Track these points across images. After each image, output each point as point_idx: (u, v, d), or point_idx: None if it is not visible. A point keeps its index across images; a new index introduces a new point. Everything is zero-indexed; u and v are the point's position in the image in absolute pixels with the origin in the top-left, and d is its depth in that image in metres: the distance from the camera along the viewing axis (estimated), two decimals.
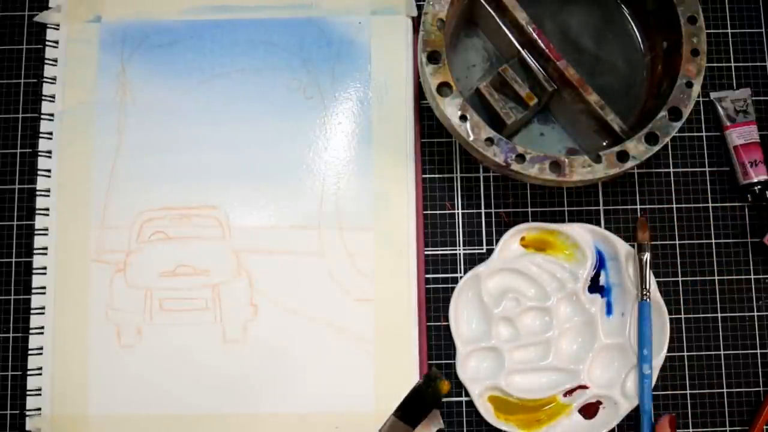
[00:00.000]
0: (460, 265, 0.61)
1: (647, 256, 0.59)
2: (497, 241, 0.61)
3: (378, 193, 0.61)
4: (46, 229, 0.60)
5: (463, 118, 0.55)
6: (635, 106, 0.61)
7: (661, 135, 0.55)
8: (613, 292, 0.60)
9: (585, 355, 0.59)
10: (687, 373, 0.60)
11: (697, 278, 0.61)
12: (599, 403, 0.59)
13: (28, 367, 0.59)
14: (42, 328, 0.59)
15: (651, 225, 0.62)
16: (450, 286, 0.61)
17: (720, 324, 0.61)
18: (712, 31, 0.65)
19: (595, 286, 0.60)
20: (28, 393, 0.58)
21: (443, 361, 0.60)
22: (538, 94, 0.59)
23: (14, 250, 0.61)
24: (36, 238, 0.60)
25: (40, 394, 0.58)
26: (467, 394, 0.59)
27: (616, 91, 0.61)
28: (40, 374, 0.58)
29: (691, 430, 0.59)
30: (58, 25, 0.63)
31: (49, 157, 0.61)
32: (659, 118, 0.55)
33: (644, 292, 0.59)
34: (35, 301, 0.59)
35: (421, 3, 0.63)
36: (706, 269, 0.61)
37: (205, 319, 0.59)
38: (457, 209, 0.62)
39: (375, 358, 0.59)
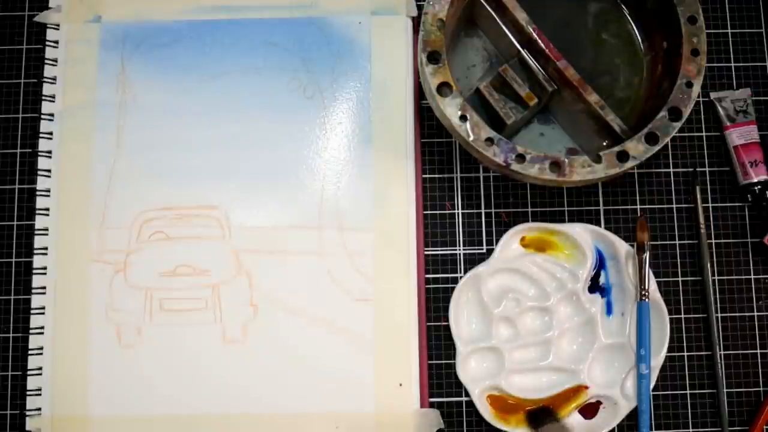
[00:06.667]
0: (460, 265, 0.61)
1: (647, 256, 0.59)
2: (497, 241, 0.61)
3: (378, 193, 0.61)
4: (46, 229, 0.60)
5: (463, 118, 0.55)
6: (635, 106, 0.61)
7: (661, 135, 0.55)
8: (613, 292, 0.60)
9: (585, 355, 0.59)
10: (687, 373, 0.60)
11: (697, 278, 0.61)
12: (599, 403, 0.59)
13: (28, 367, 0.59)
14: (42, 328, 0.59)
15: (651, 225, 0.62)
16: (450, 286, 0.61)
17: (720, 324, 0.61)
18: (712, 31, 0.65)
19: (595, 286, 0.60)
20: (28, 393, 0.58)
21: (443, 361, 0.60)
22: (538, 94, 0.59)
23: (14, 250, 0.61)
24: (36, 238, 0.60)
25: (40, 394, 0.58)
26: (467, 394, 0.59)
27: (616, 91, 0.61)
28: (40, 374, 0.58)
29: (691, 430, 0.59)
30: (58, 25, 0.63)
31: (49, 157, 0.61)
32: (659, 118, 0.55)
33: (643, 292, 0.59)
34: (35, 301, 0.59)
35: (421, 3, 0.63)
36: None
37: (205, 319, 0.59)
38: (457, 209, 0.62)
39: (375, 358, 0.58)
